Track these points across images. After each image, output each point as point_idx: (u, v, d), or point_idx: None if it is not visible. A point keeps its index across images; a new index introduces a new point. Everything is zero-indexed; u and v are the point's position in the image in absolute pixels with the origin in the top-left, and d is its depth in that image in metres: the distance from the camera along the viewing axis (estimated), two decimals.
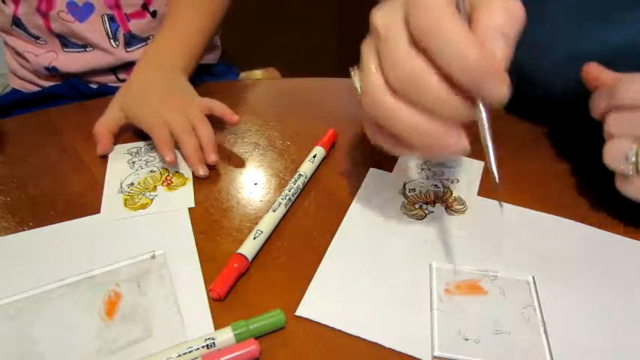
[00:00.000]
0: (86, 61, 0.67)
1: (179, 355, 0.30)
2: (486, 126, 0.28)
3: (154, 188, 0.44)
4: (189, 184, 0.44)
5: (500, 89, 0.26)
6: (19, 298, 0.34)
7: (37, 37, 0.65)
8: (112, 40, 0.66)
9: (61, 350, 0.31)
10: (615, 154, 0.36)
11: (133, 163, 0.47)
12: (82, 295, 0.34)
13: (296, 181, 0.42)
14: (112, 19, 0.65)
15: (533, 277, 0.35)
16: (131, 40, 0.67)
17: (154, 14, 0.67)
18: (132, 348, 0.31)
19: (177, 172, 0.46)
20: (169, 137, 0.46)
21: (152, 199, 0.43)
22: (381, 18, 0.29)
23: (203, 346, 0.30)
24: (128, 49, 0.67)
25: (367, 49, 0.30)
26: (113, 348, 0.31)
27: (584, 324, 0.33)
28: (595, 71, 0.39)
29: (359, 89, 0.31)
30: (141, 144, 0.49)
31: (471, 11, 0.28)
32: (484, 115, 0.28)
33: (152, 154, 0.48)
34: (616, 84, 0.36)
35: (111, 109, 0.51)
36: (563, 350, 0.31)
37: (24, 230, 0.40)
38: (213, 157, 0.45)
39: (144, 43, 0.69)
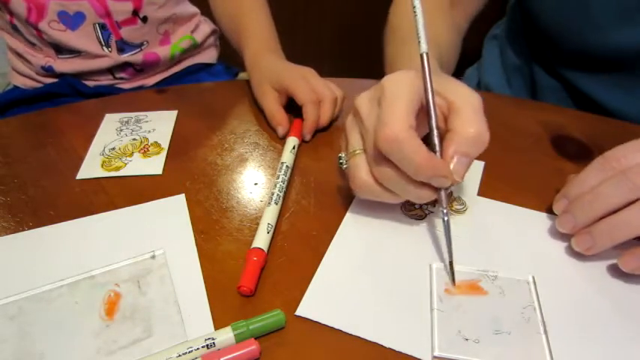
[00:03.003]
0: (81, 64, 0.67)
1: (179, 355, 0.30)
2: (446, 226, 0.35)
3: (131, 154, 0.48)
4: (163, 154, 0.48)
5: (445, 182, 0.34)
6: (19, 298, 0.34)
7: (33, 44, 0.66)
8: (104, 48, 0.66)
9: (61, 350, 0.31)
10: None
11: (120, 130, 0.51)
12: (82, 295, 0.34)
13: (281, 169, 0.44)
14: (103, 27, 0.65)
15: (533, 277, 0.35)
16: (124, 46, 0.68)
17: (144, 20, 0.68)
18: (132, 348, 0.31)
19: (155, 141, 0.49)
20: (316, 100, 0.49)
21: (126, 164, 0.46)
22: (365, 106, 0.36)
23: (203, 346, 0.30)
24: (121, 55, 0.68)
25: (351, 130, 0.37)
26: (113, 348, 0.31)
27: (584, 324, 0.33)
28: None
29: (344, 166, 0.39)
30: (131, 115, 0.53)
31: (449, 112, 0.35)
32: (445, 214, 0.35)
33: (139, 125, 0.52)
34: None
35: (265, 94, 0.52)
36: (563, 350, 0.31)
37: (24, 230, 0.40)
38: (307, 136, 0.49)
39: (138, 50, 0.69)
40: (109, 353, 0.31)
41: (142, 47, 0.69)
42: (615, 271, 0.36)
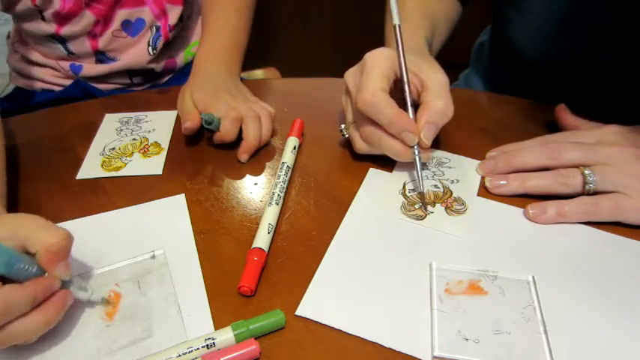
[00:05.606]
0: (111, 68, 0.67)
1: (179, 355, 0.30)
2: (418, 162, 0.41)
3: (131, 154, 0.48)
4: (163, 154, 0.48)
5: (412, 137, 0.40)
6: None
7: (71, 52, 0.65)
8: (150, 48, 0.67)
9: (61, 350, 0.31)
10: (572, 180, 0.40)
11: (120, 130, 0.51)
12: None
13: (282, 169, 0.44)
14: (157, 29, 0.66)
15: (533, 277, 0.35)
16: (166, 50, 0.69)
17: (180, 19, 0.69)
18: (132, 348, 0.31)
19: (155, 141, 0.49)
20: (236, 130, 0.47)
21: (126, 164, 0.47)
22: (351, 80, 0.43)
23: (203, 346, 0.30)
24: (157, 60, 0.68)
25: (345, 105, 0.46)
26: (113, 348, 0.31)
27: (584, 324, 0.33)
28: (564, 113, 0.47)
29: (346, 135, 0.46)
30: (131, 115, 0.53)
31: (422, 88, 0.42)
32: (416, 152, 0.41)
33: (139, 125, 0.52)
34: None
35: (185, 99, 0.50)
36: (563, 350, 0.31)
37: None
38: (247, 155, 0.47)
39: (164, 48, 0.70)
40: (109, 353, 0.31)
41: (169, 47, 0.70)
42: (615, 272, 0.36)
